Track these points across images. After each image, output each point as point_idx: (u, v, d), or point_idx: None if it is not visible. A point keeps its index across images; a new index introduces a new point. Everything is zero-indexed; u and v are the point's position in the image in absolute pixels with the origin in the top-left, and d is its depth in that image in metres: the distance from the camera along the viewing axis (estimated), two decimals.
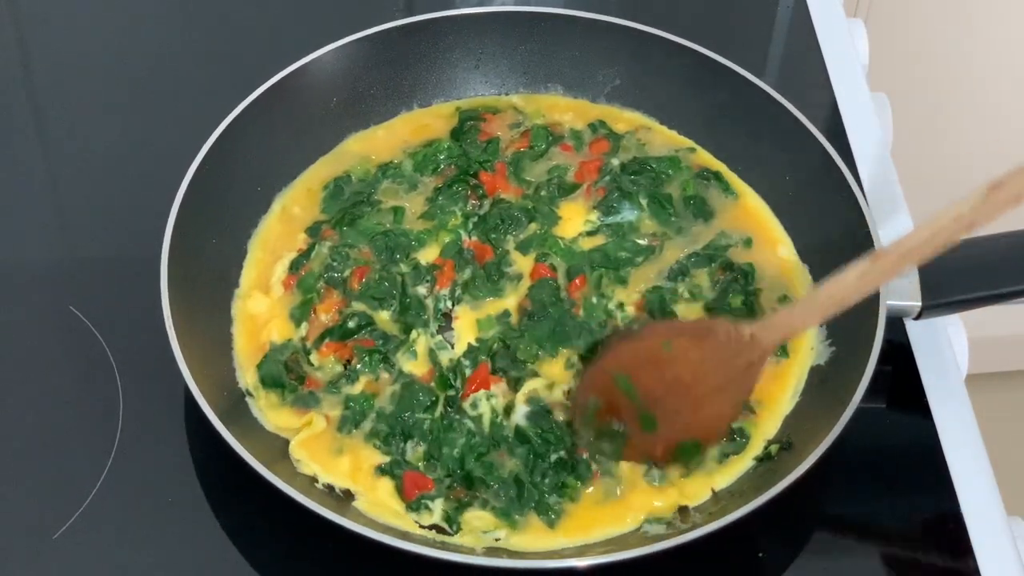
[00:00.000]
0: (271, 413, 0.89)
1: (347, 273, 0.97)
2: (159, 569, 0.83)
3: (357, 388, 0.91)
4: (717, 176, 1.05)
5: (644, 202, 1.03)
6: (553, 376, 0.92)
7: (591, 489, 0.86)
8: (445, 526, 0.83)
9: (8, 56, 1.21)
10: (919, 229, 0.77)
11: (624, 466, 0.87)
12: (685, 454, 0.85)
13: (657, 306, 0.96)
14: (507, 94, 1.12)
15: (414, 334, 0.94)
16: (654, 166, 1.05)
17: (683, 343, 0.84)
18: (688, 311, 0.96)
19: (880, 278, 0.80)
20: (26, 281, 1.01)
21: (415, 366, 0.92)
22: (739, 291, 0.97)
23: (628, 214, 1.02)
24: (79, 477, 0.87)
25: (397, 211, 1.02)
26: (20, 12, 1.25)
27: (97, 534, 0.84)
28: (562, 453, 0.86)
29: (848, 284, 0.79)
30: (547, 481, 0.85)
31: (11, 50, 1.22)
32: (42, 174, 1.12)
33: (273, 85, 1.02)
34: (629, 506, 0.85)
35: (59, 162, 1.13)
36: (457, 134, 1.08)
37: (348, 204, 1.02)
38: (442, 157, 1.06)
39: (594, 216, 1.03)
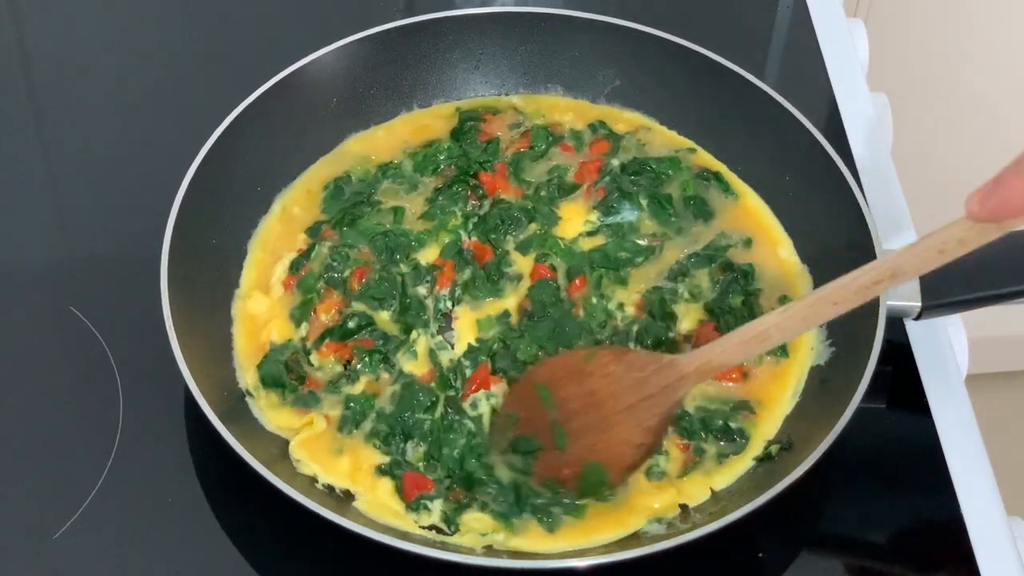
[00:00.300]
0: (271, 413, 0.89)
1: (347, 273, 0.97)
2: (159, 569, 0.83)
3: (357, 388, 0.91)
4: (717, 176, 1.05)
5: (644, 202, 1.03)
6: None
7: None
8: (443, 527, 0.83)
9: (8, 56, 1.21)
10: (841, 279, 0.78)
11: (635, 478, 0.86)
12: (588, 478, 0.84)
13: (657, 306, 0.96)
14: (507, 94, 1.12)
15: (414, 334, 0.94)
16: (654, 166, 1.05)
17: (604, 357, 0.86)
18: (688, 311, 0.96)
19: (803, 321, 0.80)
20: (26, 281, 1.01)
21: (415, 366, 0.92)
22: (739, 291, 0.97)
23: (628, 214, 1.02)
24: (79, 477, 0.87)
25: (397, 211, 1.02)
26: (20, 12, 1.25)
27: (97, 534, 0.84)
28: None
29: (770, 324, 0.81)
30: (545, 495, 0.85)
31: (11, 50, 1.22)
32: (42, 174, 1.12)
33: (273, 85, 1.02)
34: (630, 510, 0.84)
35: (59, 162, 1.13)
36: (457, 134, 1.08)
37: (348, 204, 1.02)
38: (442, 157, 1.06)
39: (594, 216, 1.03)
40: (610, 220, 1.02)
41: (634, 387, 0.84)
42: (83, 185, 1.10)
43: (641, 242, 1.01)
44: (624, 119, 1.10)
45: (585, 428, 0.85)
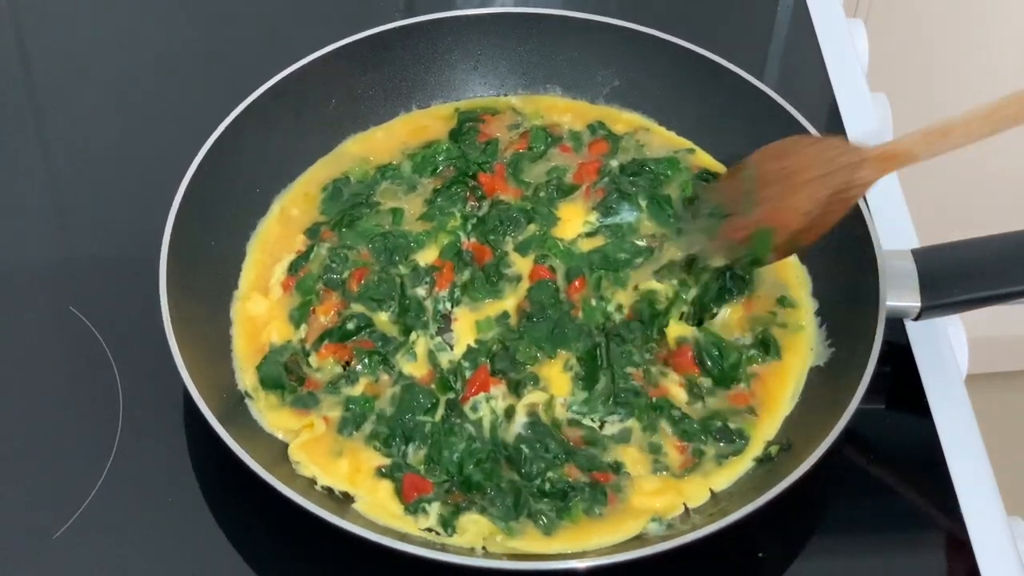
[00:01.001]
0: (271, 415, 0.89)
1: (346, 275, 0.97)
2: (158, 570, 0.84)
3: (357, 390, 0.91)
4: (717, 177, 1.05)
5: (643, 203, 1.03)
6: (551, 378, 0.92)
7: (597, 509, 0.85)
8: (440, 529, 0.83)
9: (8, 56, 1.21)
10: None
11: (633, 479, 0.86)
12: (757, 241, 0.91)
13: (647, 306, 0.95)
14: (506, 95, 1.12)
15: (413, 336, 0.94)
16: (653, 167, 1.05)
17: (806, 138, 0.95)
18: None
19: (987, 123, 0.81)
20: (26, 281, 1.02)
21: (415, 368, 0.92)
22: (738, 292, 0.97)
23: (627, 215, 1.02)
24: (79, 477, 0.87)
25: (396, 213, 1.02)
26: (20, 12, 1.25)
27: (97, 534, 0.85)
28: (562, 476, 0.85)
29: (955, 122, 0.82)
30: (546, 501, 0.84)
31: (11, 50, 1.22)
32: (42, 174, 1.12)
33: (272, 86, 1.02)
34: (630, 513, 0.84)
35: (59, 162, 1.13)
36: (456, 135, 1.08)
37: (347, 206, 1.02)
38: (441, 158, 1.06)
39: (593, 217, 1.03)
40: (609, 221, 1.02)
41: (819, 163, 0.89)
42: (83, 185, 1.10)
43: (640, 243, 1.01)
44: (623, 120, 1.10)
45: (770, 196, 0.91)
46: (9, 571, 0.83)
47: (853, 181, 0.87)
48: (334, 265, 0.97)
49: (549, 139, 1.08)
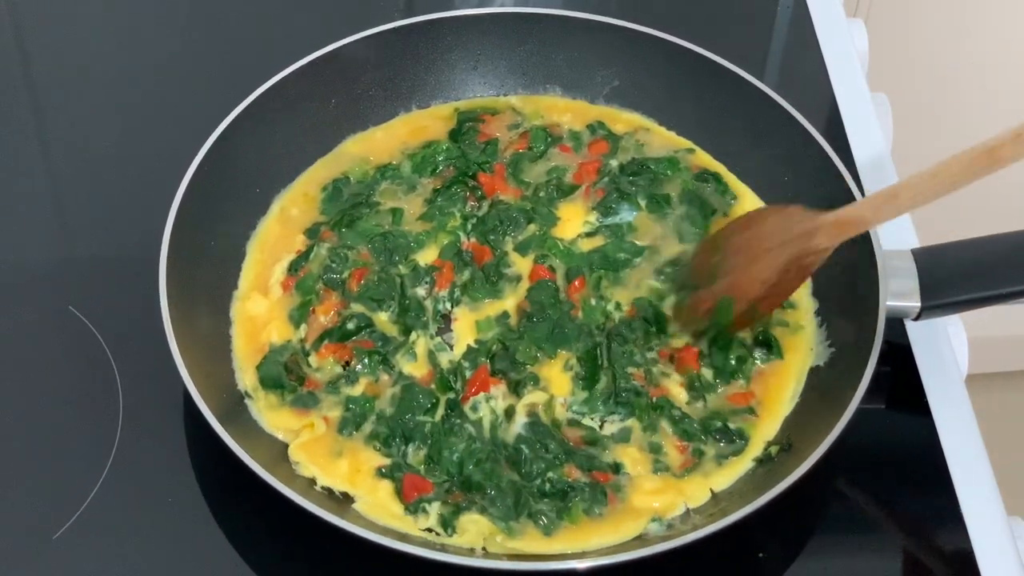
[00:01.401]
0: (270, 414, 0.89)
1: (346, 274, 0.97)
2: (158, 569, 0.84)
3: (357, 390, 0.91)
4: (716, 177, 1.05)
5: (643, 203, 1.03)
6: (551, 378, 0.92)
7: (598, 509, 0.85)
8: (440, 529, 0.83)
9: (8, 56, 1.21)
10: (963, 152, 0.79)
11: (633, 479, 0.86)
12: (719, 311, 0.92)
13: (649, 305, 0.95)
14: (506, 95, 1.12)
15: (413, 335, 0.94)
16: (653, 167, 1.05)
17: (770, 208, 0.97)
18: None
19: (933, 181, 0.80)
20: (26, 281, 1.02)
21: (415, 368, 0.92)
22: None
23: (627, 215, 1.02)
24: (79, 477, 0.87)
25: (396, 212, 1.02)
26: (20, 12, 1.25)
27: (97, 534, 0.85)
28: (562, 476, 0.86)
29: (901, 186, 0.82)
30: (546, 501, 0.85)
31: (11, 50, 1.23)
32: (42, 174, 1.12)
33: (272, 86, 1.02)
34: (630, 513, 0.84)
35: (59, 162, 1.13)
36: (456, 135, 1.08)
37: (347, 206, 1.02)
38: (441, 158, 1.06)
39: (593, 217, 1.03)
40: (609, 221, 1.02)
41: (778, 232, 0.90)
42: (83, 185, 1.10)
43: (639, 243, 1.01)
44: (623, 120, 1.10)
45: (733, 267, 0.92)
46: (9, 571, 0.83)
47: (809, 248, 0.88)
48: (334, 265, 0.97)
49: (549, 139, 1.08)
